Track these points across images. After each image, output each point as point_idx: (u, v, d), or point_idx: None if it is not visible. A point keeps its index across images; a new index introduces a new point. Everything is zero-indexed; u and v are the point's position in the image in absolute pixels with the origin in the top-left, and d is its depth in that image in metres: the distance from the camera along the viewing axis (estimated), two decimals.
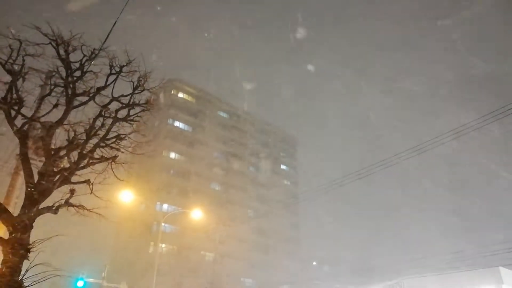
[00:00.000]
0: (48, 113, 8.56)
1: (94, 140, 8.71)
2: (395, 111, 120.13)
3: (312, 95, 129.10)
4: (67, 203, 8.22)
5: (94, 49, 8.21)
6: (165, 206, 51.79)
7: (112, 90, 8.76)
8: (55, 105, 8.47)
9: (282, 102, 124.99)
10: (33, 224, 7.49)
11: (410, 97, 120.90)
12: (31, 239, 7.32)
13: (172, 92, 59.62)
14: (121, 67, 8.62)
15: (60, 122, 8.25)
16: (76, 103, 8.47)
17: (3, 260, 6.94)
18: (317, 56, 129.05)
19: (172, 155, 56.85)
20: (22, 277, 7.01)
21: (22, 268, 7.05)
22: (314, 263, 68.03)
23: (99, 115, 8.70)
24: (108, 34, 8.06)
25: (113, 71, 8.64)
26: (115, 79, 8.69)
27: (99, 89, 8.56)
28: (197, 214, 32.32)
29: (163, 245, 48.63)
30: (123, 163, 9.13)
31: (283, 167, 73.47)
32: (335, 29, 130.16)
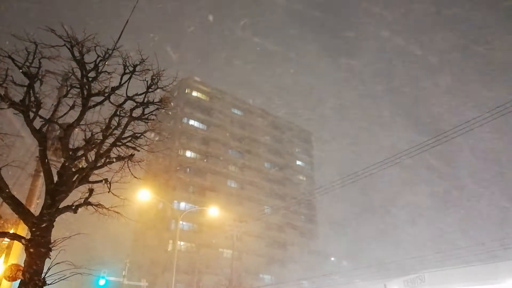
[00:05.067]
0: (65, 114, 8.69)
1: (110, 140, 8.80)
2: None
3: (327, 88, 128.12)
4: (86, 202, 8.35)
5: (108, 49, 8.27)
6: (182, 204, 52.29)
7: (127, 89, 8.82)
8: (72, 106, 8.58)
9: (296, 97, 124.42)
10: (54, 224, 7.63)
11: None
12: (52, 238, 7.45)
13: (186, 91, 60.02)
14: (135, 66, 8.66)
15: (77, 123, 8.37)
16: (92, 103, 8.57)
17: (25, 259, 7.09)
18: (330, 47, 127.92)
19: (188, 153, 57.28)
20: (45, 275, 7.15)
21: (44, 267, 7.19)
22: (332, 258, 67.69)
23: (115, 114, 8.78)
24: (121, 34, 8.11)
25: (127, 71, 8.69)
26: (129, 78, 8.74)
27: (113, 89, 8.63)
28: (214, 212, 32.52)
29: (182, 243, 49.11)
30: (140, 162, 9.21)
31: (298, 162, 73.16)
32: (350, 20, 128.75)
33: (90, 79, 8.47)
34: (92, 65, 8.44)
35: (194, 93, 61.63)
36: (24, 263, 7.10)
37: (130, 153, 9.00)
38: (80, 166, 8.56)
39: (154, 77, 8.95)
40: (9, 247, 10.16)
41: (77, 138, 8.63)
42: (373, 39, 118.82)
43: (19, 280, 7.37)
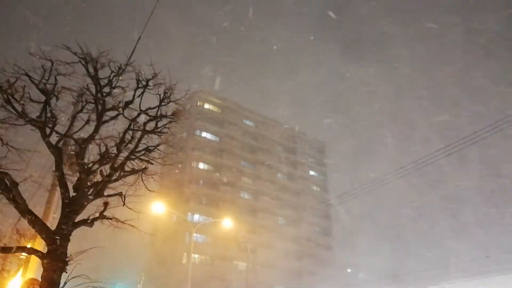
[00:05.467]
0: (80, 129, 8.84)
1: (124, 153, 8.90)
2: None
3: (339, 98, 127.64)
4: (101, 216, 8.41)
5: (121, 64, 8.43)
6: (196, 216, 52.31)
7: (140, 103, 8.94)
8: (87, 121, 8.74)
9: (309, 107, 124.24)
10: (70, 238, 7.70)
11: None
12: (68, 252, 7.52)
13: (198, 104, 60.57)
14: (147, 80, 8.79)
15: (92, 137, 8.50)
16: (106, 118, 8.71)
17: (42, 273, 7.15)
18: (345, 58, 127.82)
19: (201, 165, 57.51)
20: None
21: (61, 281, 7.23)
22: (349, 270, 66.55)
23: (128, 128, 8.89)
24: (134, 49, 8.27)
25: (140, 85, 8.83)
26: (142, 93, 8.87)
27: (127, 103, 8.76)
28: (227, 224, 32.40)
29: (196, 256, 48.99)
30: (153, 175, 9.27)
31: (312, 173, 72.69)
32: (364, 32, 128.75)
33: (105, 94, 8.63)
34: (106, 81, 8.61)
35: (206, 105, 62.15)
36: (41, 277, 7.16)
37: (144, 166, 9.08)
38: (95, 180, 8.66)
39: (167, 90, 9.07)
40: (26, 261, 10.27)
41: (92, 152, 8.76)
42: (391, 48, 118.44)
43: None
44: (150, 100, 9.10)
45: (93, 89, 8.60)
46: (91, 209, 8.36)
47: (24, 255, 10.29)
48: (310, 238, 63.91)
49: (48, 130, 8.10)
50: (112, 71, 8.52)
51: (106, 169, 8.63)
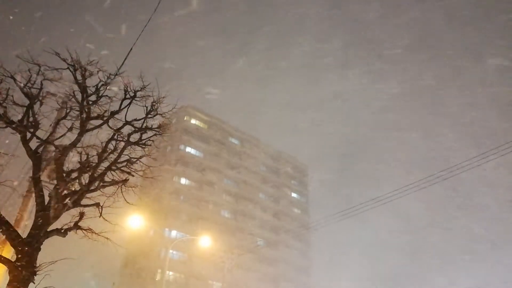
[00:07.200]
0: (62, 136, 8.69)
1: (105, 163, 8.76)
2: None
3: (326, 123, 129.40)
4: (76, 226, 8.20)
5: (110, 74, 8.40)
6: (173, 232, 51.32)
7: (126, 114, 8.89)
8: (70, 128, 8.60)
9: (293, 129, 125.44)
10: (41, 247, 7.45)
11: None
12: (38, 262, 7.26)
13: (184, 118, 60.38)
14: (135, 92, 8.77)
15: (73, 145, 8.36)
16: (90, 126, 8.60)
17: (9, 282, 6.88)
18: (330, 81, 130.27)
19: (183, 180, 56.84)
20: None
21: None
22: None
23: (112, 138, 8.79)
24: (124, 60, 8.26)
25: (128, 96, 8.79)
26: (129, 104, 8.83)
27: (113, 113, 8.69)
28: (205, 242, 31.92)
29: (170, 273, 47.79)
30: (134, 187, 9.13)
31: (294, 195, 72.64)
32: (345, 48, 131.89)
33: (91, 102, 8.55)
34: (93, 89, 8.54)
35: (193, 121, 61.99)
36: (7, 287, 6.88)
37: (124, 178, 8.94)
38: (73, 189, 8.47)
39: (154, 103, 9.04)
40: None
41: (72, 160, 8.59)
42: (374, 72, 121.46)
43: None
44: (136, 111, 9.06)
45: (79, 96, 8.51)
46: (66, 218, 8.15)
47: None
48: (289, 262, 63.25)
49: (28, 135, 7.95)
50: (101, 80, 8.49)
51: (85, 178, 8.47)
